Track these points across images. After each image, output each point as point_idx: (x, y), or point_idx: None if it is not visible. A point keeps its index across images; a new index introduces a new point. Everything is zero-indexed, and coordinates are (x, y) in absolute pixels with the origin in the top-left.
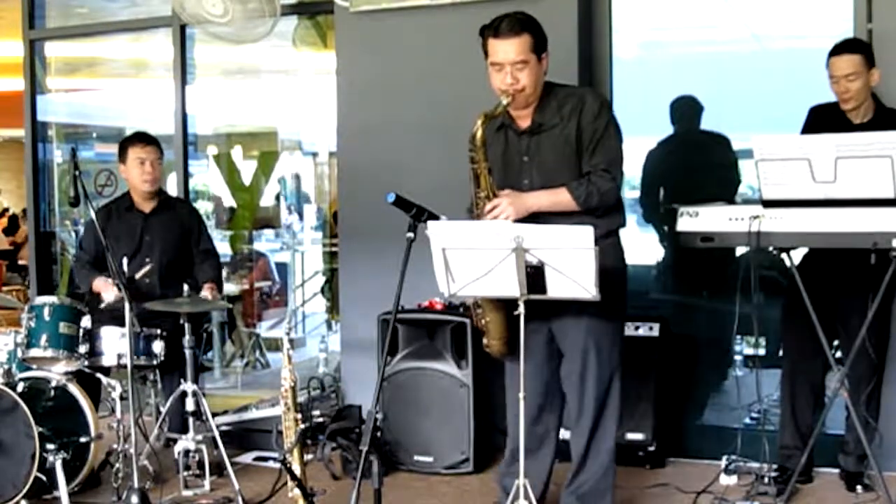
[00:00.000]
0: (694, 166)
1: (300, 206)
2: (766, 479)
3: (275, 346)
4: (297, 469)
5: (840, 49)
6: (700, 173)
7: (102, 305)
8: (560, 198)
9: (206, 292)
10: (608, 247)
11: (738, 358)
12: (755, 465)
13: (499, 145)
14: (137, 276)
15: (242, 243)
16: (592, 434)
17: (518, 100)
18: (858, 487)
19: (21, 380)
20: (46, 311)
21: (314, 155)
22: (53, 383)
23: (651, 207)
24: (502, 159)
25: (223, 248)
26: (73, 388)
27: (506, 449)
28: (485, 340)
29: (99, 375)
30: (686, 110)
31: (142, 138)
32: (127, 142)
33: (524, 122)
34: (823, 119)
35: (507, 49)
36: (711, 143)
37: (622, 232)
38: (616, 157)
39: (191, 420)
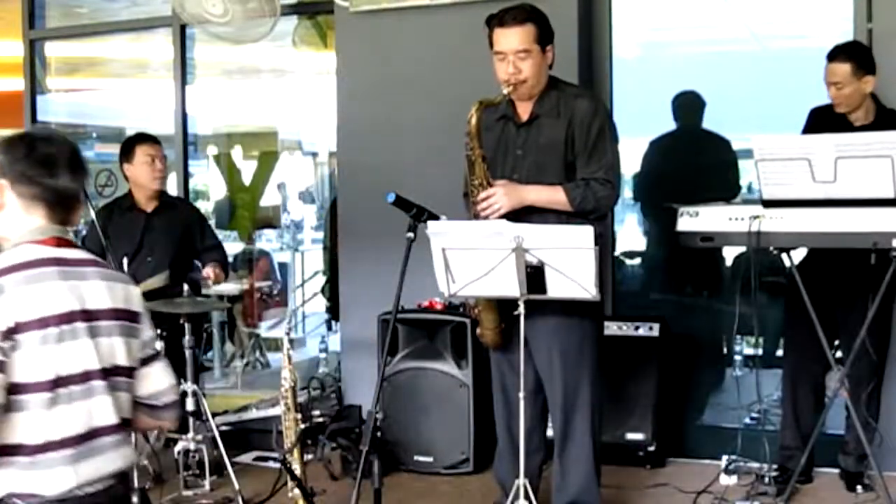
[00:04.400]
0: (695, 165)
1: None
2: (766, 479)
3: (275, 346)
4: (297, 469)
5: (832, 55)
6: (701, 172)
7: None
8: (556, 196)
9: (208, 269)
10: None
11: (738, 358)
12: (755, 465)
13: (495, 135)
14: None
15: (243, 243)
16: (564, 437)
17: (520, 90)
18: (858, 487)
19: None
20: None
21: (314, 155)
22: None
23: (651, 206)
24: (495, 149)
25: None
26: None
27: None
28: (478, 330)
29: None
30: (688, 107)
31: (148, 138)
32: (134, 141)
33: (524, 115)
34: (824, 121)
35: (510, 38)
36: (712, 143)
37: (624, 231)
38: (613, 164)
39: (191, 420)
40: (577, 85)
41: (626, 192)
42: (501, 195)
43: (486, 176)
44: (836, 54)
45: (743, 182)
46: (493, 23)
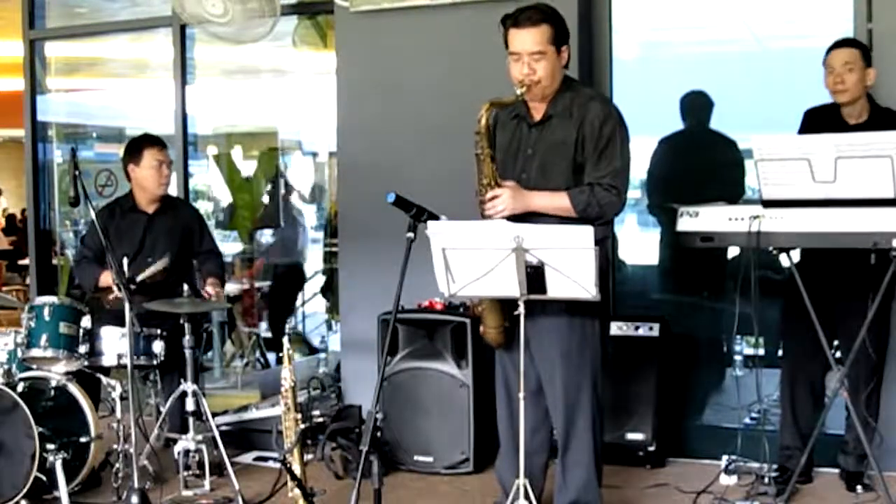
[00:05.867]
0: (700, 165)
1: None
2: (766, 479)
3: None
4: (297, 469)
5: (839, 43)
6: (707, 172)
7: (109, 302)
8: (559, 202)
9: (209, 288)
10: None
11: (738, 358)
12: (755, 465)
13: (508, 133)
14: (147, 273)
15: (242, 243)
16: (566, 439)
17: (534, 91)
18: (858, 487)
19: (21, 380)
20: (46, 311)
21: (314, 155)
22: (53, 383)
23: (652, 206)
24: (507, 148)
25: (223, 248)
26: (73, 388)
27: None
28: (481, 328)
29: (99, 375)
30: (696, 107)
31: (157, 141)
32: (142, 143)
33: (538, 115)
34: (819, 121)
35: (525, 39)
36: (719, 143)
37: (624, 231)
38: (621, 170)
39: (191, 420)
40: (589, 87)
41: (628, 193)
42: (507, 197)
43: (494, 175)
44: (842, 43)
45: (750, 183)
46: (507, 23)
